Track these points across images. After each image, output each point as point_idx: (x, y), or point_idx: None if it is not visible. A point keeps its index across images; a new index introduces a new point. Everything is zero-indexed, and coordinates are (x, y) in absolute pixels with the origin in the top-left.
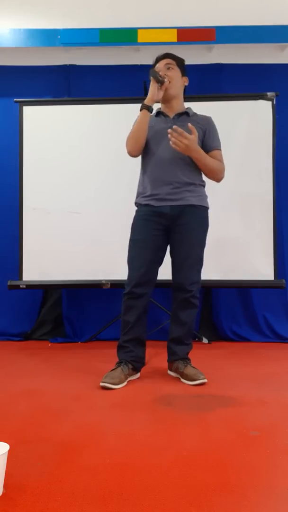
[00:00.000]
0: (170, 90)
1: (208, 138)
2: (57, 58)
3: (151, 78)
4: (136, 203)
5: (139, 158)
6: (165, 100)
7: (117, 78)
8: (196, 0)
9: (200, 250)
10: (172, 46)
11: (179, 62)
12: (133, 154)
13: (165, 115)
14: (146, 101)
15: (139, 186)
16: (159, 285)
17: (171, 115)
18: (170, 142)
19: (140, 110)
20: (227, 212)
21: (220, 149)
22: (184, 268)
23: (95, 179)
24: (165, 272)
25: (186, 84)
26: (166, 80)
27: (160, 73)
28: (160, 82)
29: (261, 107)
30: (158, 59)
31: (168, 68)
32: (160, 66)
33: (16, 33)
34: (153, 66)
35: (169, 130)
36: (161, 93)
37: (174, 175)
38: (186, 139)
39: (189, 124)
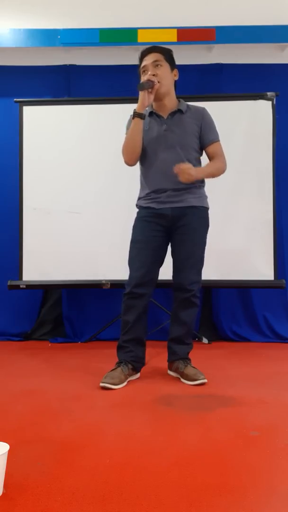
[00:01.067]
0: (160, 89)
1: (205, 131)
2: (57, 58)
3: (142, 86)
4: (137, 205)
5: None
6: (157, 98)
7: (117, 78)
8: (196, 0)
9: (201, 250)
10: (172, 46)
11: (167, 55)
12: (130, 164)
13: (158, 115)
14: (137, 109)
15: (140, 188)
16: (159, 285)
17: (165, 114)
18: (180, 179)
19: (132, 118)
20: (227, 212)
21: (219, 140)
22: (186, 268)
23: (95, 179)
24: (165, 272)
25: (176, 78)
26: (155, 81)
27: (148, 73)
28: (150, 88)
29: (261, 107)
30: (143, 54)
31: (157, 66)
32: (147, 64)
33: (16, 33)
34: (140, 61)
35: (175, 170)
36: (151, 97)
37: (174, 180)
38: (187, 174)
39: (176, 167)
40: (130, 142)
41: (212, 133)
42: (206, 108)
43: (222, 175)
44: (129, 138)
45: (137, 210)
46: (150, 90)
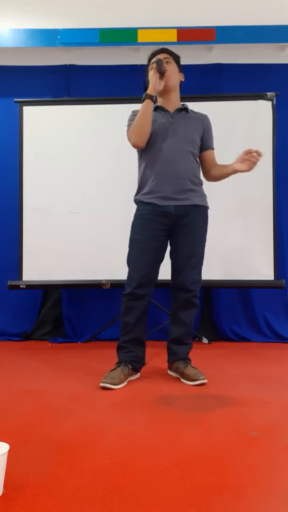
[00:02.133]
0: (169, 81)
1: (207, 136)
2: (57, 58)
3: (154, 67)
4: (136, 200)
5: (135, 155)
6: (164, 91)
7: (117, 78)
8: (196, 0)
9: (202, 250)
10: (172, 46)
11: (176, 58)
12: (138, 145)
13: (165, 110)
14: (149, 91)
15: (140, 182)
16: (159, 285)
17: (171, 109)
18: (246, 164)
19: (143, 100)
20: (227, 212)
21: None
22: (187, 267)
23: (95, 179)
24: (165, 272)
25: (182, 80)
26: (166, 68)
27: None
28: (162, 73)
29: (261, 107)
30: (153, 54)
31: (166, 62)
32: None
33: (16, 33)
34: (148, 61)
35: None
36: (162, 84)
37: (180, 173)
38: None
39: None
40: (140, 122)
41: (212, 140)
42: (206, 108)
43: None
44: (139, 118)
45: (136, 205)
46: (161, 77)
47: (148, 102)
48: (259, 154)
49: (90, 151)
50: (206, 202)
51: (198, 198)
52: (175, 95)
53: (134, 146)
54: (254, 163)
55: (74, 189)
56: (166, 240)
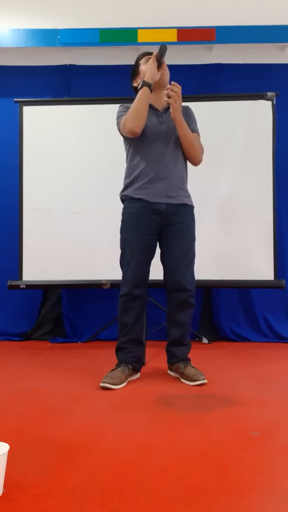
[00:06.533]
0: (164, 76)
1: (188, 123)
2: (57, 58)
3: (155, 54)
4: (124, 196)
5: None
6: (157, 87)
7: (117, 78)
8: (196, 0)
9: (194, 249)
10: (172, 46)
11: None
12: (136, 131)
13: (154, 109)
14: (146, 79)
15: (128, 177)
16: (159, 285)
17: (160, 108)
18: (166, 98)
19: (140, 88)
20: (227, 211)
21: (199, 135)
22: (182, 265)
23: (95, 179)
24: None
25: None
26: (164, 63)
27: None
28: (160, 63)
29: (261, 107)
30: (146, 53)
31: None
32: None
33: (16, 33)
34: (135, 65)
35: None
36: (158, 75)
37: (171, 171)
38: (176, 96)
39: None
40: (137, 107)
41: (194, 124)
42: (206, 108)
43: (219, 174)
44: (136, 104)
45: (124, 200)
46: (158, 67)
47: (145, 89)
48: (172, 89)
49: (90, 151)
50: (192, 201)
51: (186, 198)
52: (163, 93)
53: (131, 132)
54: (173, 96)
55: (74, 189)
56: (156, 239)
